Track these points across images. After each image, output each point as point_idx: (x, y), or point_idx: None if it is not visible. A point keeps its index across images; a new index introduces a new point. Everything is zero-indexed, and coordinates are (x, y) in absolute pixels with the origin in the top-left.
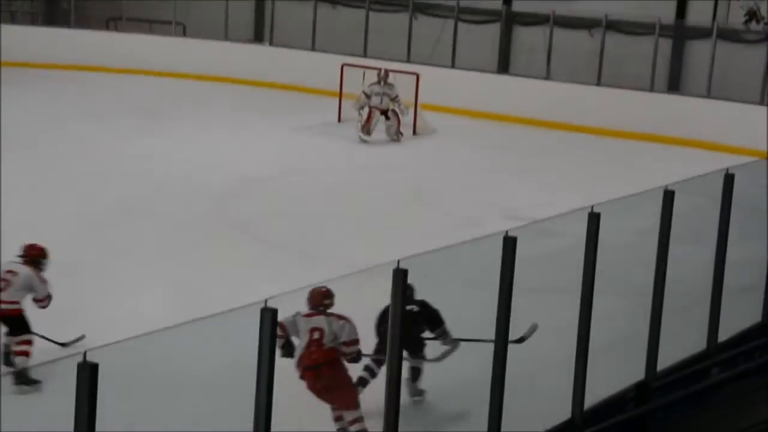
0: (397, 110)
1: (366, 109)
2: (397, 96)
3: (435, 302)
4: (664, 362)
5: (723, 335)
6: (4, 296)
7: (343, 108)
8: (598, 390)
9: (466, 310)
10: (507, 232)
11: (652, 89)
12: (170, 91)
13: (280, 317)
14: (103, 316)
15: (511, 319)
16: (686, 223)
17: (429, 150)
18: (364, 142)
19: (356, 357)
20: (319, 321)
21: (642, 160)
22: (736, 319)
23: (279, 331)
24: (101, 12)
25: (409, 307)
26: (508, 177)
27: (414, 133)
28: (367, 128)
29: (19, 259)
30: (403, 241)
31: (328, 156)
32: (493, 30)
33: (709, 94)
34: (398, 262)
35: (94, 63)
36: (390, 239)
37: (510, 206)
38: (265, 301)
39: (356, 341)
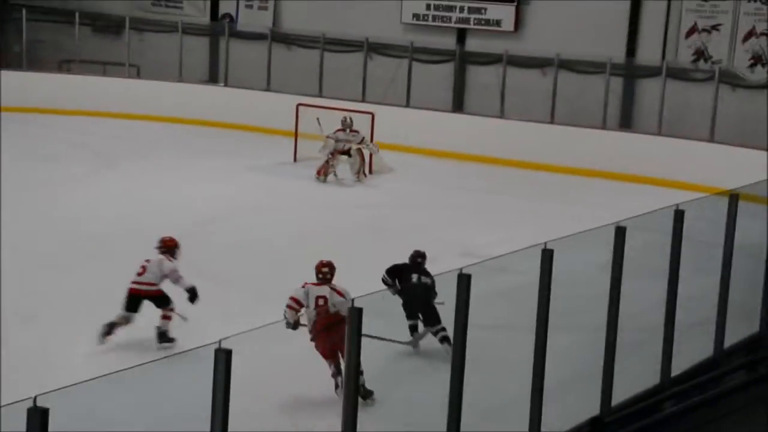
0: (362, 149)
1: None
2: (363, 139)
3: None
4: (618, 397)
5: (676, 369)
6: (143, 279)
7: (298, 147)
8: (554, 426)
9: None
10: (462, 269)
11: (604, 126)
12: (124, 132)
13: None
14: (55, 362)
15: (467, 356)
16: (639, 258)
17: (385, 189)
18: (320, 182)
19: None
20: (323, 290)
21: (595, 197)
22: (688, 354)
23: (295, 305)
24: (54, 54)
25: (424, 280)
26: (464, 214)
27: (370, 172)
28: (324, 171)
29: (156, 250)
30: (360, 280)
31: (283, 195)
32: (447, 69)
33: (660, 132)
34: (353, 301)
35: (47, 105)
36: (347, 278)
37: (466, 243)
38: (219, 342)
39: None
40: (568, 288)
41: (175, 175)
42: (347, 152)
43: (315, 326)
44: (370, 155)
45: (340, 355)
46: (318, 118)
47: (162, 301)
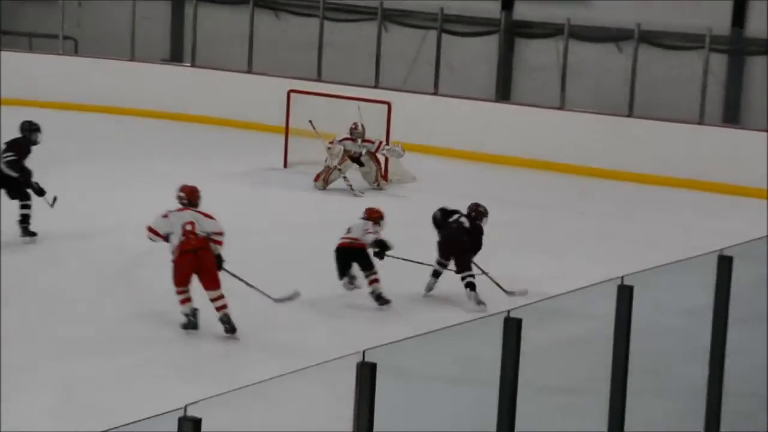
0: (378, 155)
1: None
2: (381, 144)
3: (409, 405)
4: None
5: None
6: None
7: (291, 148)
8: None
9: (450, 414)
10: (509, 311)
11: (701, 121)
12: (57, 127)
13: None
14: None
15: (516, 429)
16: (746, 298)
17: (405, 204)
18: (318, 189)
19: (219, 260)
20: (186, 215)
21: (687, 215)
22: None
23: (153, 236)
24: None
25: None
26: (511, 238)
27: (386, 181)
28: (325, 178)
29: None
30: (370, 325)
31: (271, 211)
32: (490, 44)
33: None
34: (363, 353)
35: None
36: (353, 322)
37: (514, 277)
38: (185, 409)
39: (221, 233)
40: (651, 338)
41: (125, 185)
42: (357, 159)
43: (180, 246)
44: (386, 159)
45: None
46: (311, 121)
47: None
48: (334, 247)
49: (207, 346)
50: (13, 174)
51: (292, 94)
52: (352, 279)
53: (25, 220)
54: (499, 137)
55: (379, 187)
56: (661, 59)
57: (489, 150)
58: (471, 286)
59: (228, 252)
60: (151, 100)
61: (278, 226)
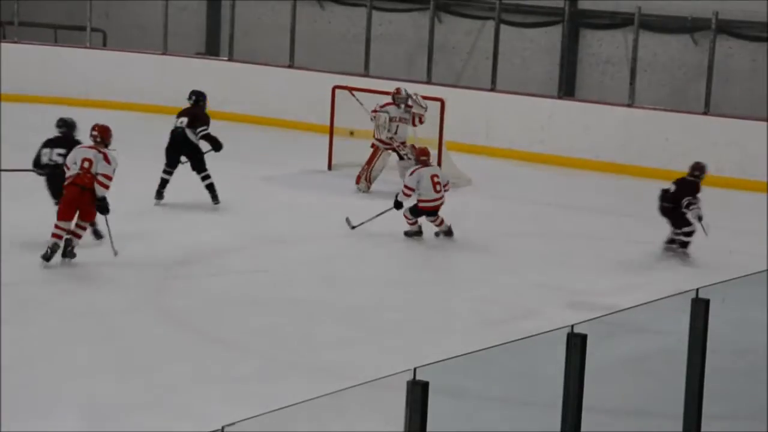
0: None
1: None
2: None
3: (464, 427)
4: None
5: None
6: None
7: (336, 149)
8: None
9: None
10: (572, 326)
11: None
12: (84, 124)
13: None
14: None
15: None
16: None
17: (459, 209)
18: (362, 191)
19: (103, 205)
20: (89, 152)
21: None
22: None
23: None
24: None
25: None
26: (573, 247)
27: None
28: (367, 177)
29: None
30: (422, 343)
31: (315, 218)
32: (552, 36)
33: None
34: (415, 371)
35: None
36: (404, 339)
37: (577, 290)
38: (222, 431)
39: (108, 177)
40: (729, 357)
41: (152, 191)
42: (396, 150)
43: (73, 179)
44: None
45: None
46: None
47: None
48: (380, 255)
49: (245, 364)
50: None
51: (337, 91)
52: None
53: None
54: (562, 136)
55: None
56: (740, 51)
57: (551, 150)
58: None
59: (269, 259)
60: (184, 96)
61: (321, 233)
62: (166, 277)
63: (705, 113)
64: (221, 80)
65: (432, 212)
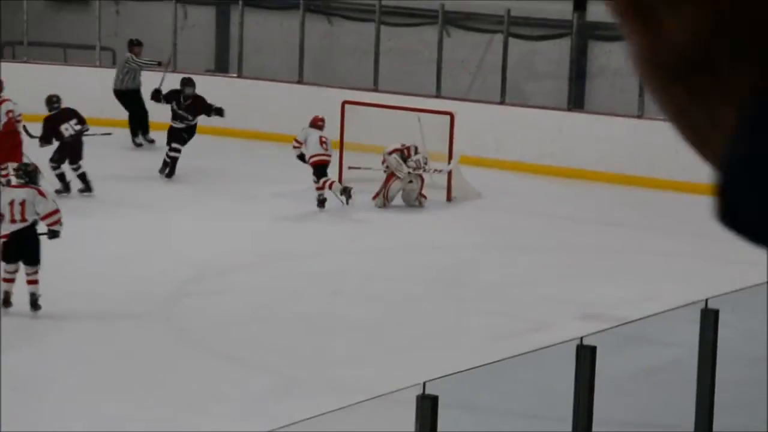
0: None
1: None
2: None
3: None
4: None
5: None
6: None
7: (346, 164)
8: None
9: None
10: (582, 338)
11: None
12: (95, 142)
13: None
14: None
15: None
16: None
17: (469, 223)
18: (378, 207)
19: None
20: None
21: None
22: None
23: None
24: None
25: None
26: (584, 259)
27: (448, 199)
28: (385, 194)
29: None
30: (432, 357)
31: (323, 234)
32: (561, 48)
33: None
34: (424, 385)
35: None
36: (414, 354)
37: (588, 302)
38: None
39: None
40: (740, 368)
41: (166, 206)
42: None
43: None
44: (449, 174)
45: None
46: (419, 118)
47: None
48: (390, 269)
49: (257, 381)
50: None
51: (346, 106)
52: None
53: None
54: (572, 149)
55: (419, 204)
56: None
57: (561, 163)
58: None
59: (280, 276)
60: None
61: (331, 248)
62: (178, 294)
63: None
64: (231, 97)
65: (319, 169)
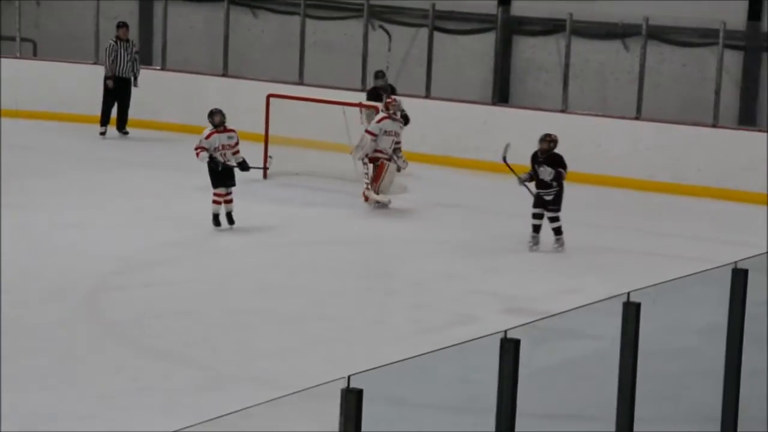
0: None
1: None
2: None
3: None
4: None
5: None
6: None
7: (270, 158)
8: None
9: None
10: (506, 332)
11: (715, 123)
12: (14, 136)
13: None
14: None
15: None
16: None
17: (395, 216)
18: (382, 206)
19: None
20: None
21: (699, 226)
22: None
23: None
24: None
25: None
26: (508, 253)
27: (375, 192)
28: (376, 190)
29: None
30: (358, 351)
31: (250, 227)
32: (486, 42)
33: None
34: (348, 378)
35: None
36: (339, 348)
37: (512, 295)
38: None
39: None
40: (661, 360)
41: (89, 200)
42: (394, 160)
43: None
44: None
45: None
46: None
47: None
48: (315, 263)
49: (182, 375)
50: None
51: (271, 99)
52: None
53: None
54: (496, 142)
55: (381, 203)
56: (671, 57)
57: (485, 157)
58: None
59: (204, 269)
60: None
61: (256, 242)
62: (101, 287)
63: (636, 118)
64: (154, 89)
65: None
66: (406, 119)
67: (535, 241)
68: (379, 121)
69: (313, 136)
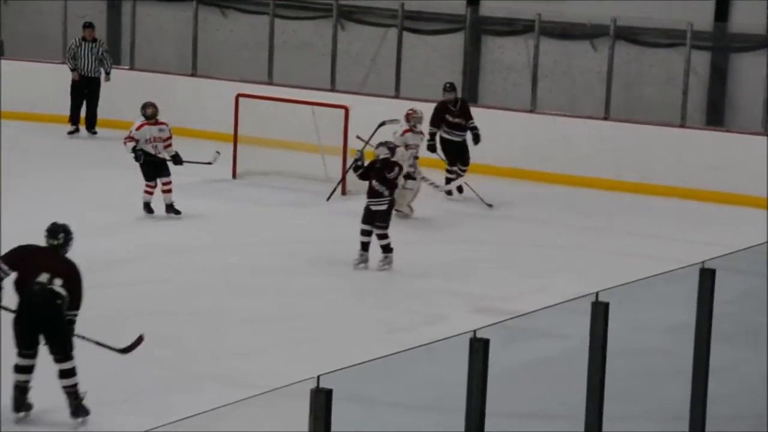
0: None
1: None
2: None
3: None
4: None
5: None
6: None
7: (240, 157)
8: None
9: None
10: (475, 331)
11: (683, 123)
12: None
13: None
14: None
15: None
16: (735, 315)
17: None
18: (405, 216)
19: None
20: None
21: (666, 225)
22: None
23: None
24: None
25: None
26: (478, 253)
27: (343, 192)
28: (409, 204)
29: None
30: (327, 351)
31: (218, 227)
32: (455, 42)
33: (765, 130)
34: (318, 378)
35: None
36: (309, 347)
37: (482, 295)
38: None
39: None
40: (630, 358)
41: (49, 199)
42: (410, 175)
43: None
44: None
45: None
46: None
47: None
48: (284, 264)
49: (149, 375)
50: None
51: (240, 99)
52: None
53: None
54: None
55: (407, 216)
56: (639, 57)
57: None
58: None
59: (172, 269)
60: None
61: (224, 241)
62: None
63: (605, 118)
64: (123, 88)
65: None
66: (477, 138)
67: (363, 259)
68: (402, 134)
69: (282, 135)
